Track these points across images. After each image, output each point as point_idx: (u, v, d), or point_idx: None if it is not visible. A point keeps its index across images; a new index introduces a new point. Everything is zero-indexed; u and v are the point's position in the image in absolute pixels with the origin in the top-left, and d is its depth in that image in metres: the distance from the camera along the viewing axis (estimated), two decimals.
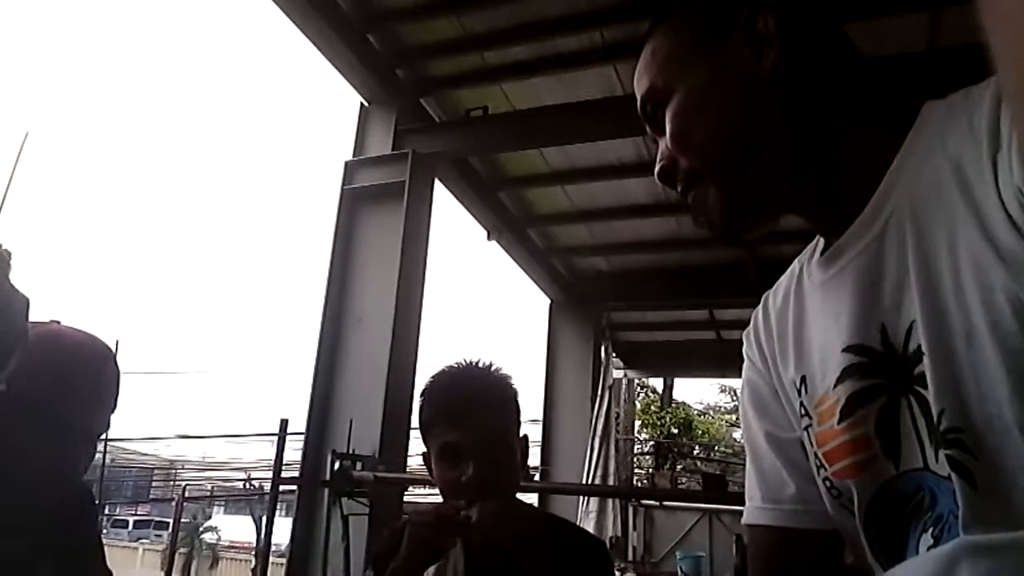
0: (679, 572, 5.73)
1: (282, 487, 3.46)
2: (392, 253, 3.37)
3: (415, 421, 1.34)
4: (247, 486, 19.37)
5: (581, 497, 5.91)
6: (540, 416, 6.22)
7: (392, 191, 3.50)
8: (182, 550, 18.96)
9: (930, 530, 0.66)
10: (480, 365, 1.31)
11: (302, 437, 3.32)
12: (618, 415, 6.94)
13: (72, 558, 1.23)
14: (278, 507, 3.55)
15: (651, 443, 16.48)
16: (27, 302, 1.01)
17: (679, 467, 16.35)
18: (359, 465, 3.08)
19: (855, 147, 0.74)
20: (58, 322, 1.26)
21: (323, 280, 3.50)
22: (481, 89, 3.75)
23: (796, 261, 0.88)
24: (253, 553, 19.23)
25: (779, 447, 0.86)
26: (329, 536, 3.07)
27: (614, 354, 6.97)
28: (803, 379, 0.81)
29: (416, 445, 1.32)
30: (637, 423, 14.06)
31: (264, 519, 4.13)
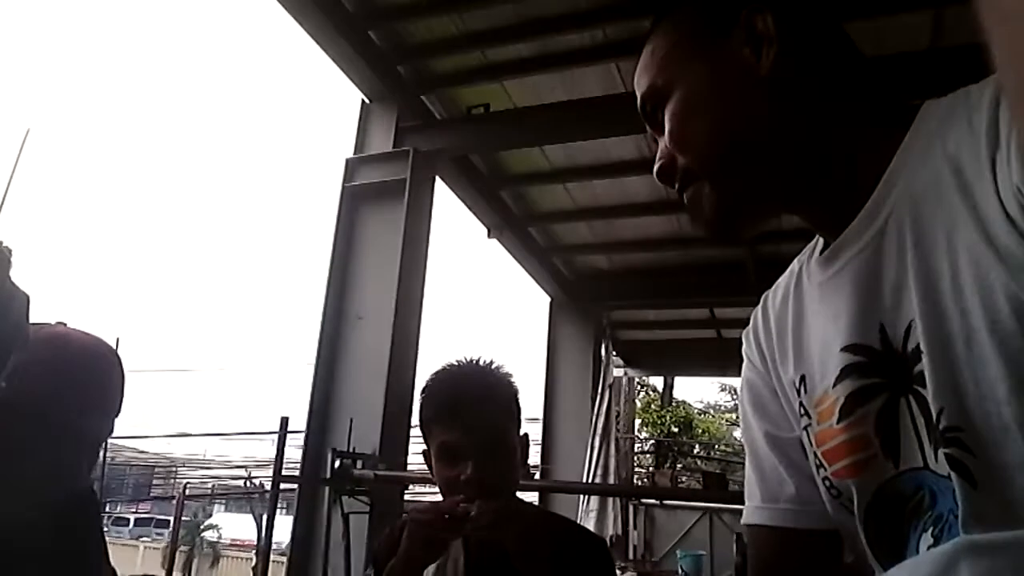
0: (680, 571, 5.72)
1: (283, 485, 3.47)
2: (393, 251, 3.37)
3: (416, 419, 1.34)
4: (248, 484, 19.37)
5: (581, 496, 5.91)
6: (540, 415, 6.22)
7: (393, 189, 3.50)
8: (183, 548, 18.98)
9: (930, 529, 0.66)
10: (480, 363, 1.31)
11: (303, 435, 3.32)
12: (618, 414, 6.94)
13: (76, 557, 1.23)
14: (279, 505, 3.56)
15: (651, 442, 16.48)
16: (27, 300, 1.01)
17: (679, 466, 16.35)
18: (360, 463, 3.09)
19: (854, 146, 0.74)
20: (64, 324, 1.26)
21: (324, 278, 3.50)
22: (482, 86, 3.75)
23: (795, 261, 0.88)
24: (254, 551, 19.24)
25: (779, 447, 0.86)
26: (330, 534, 3.07)
27: (614, 352, 6.97)
28: (802, 379, 0.81)
29: (417, 443, 1.32)
30: (637, 422, 14.06)
31: (265, 517, 4.13)
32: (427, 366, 1.36)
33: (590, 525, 5.54)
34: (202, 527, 21.73)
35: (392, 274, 3.33)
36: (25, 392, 1.08)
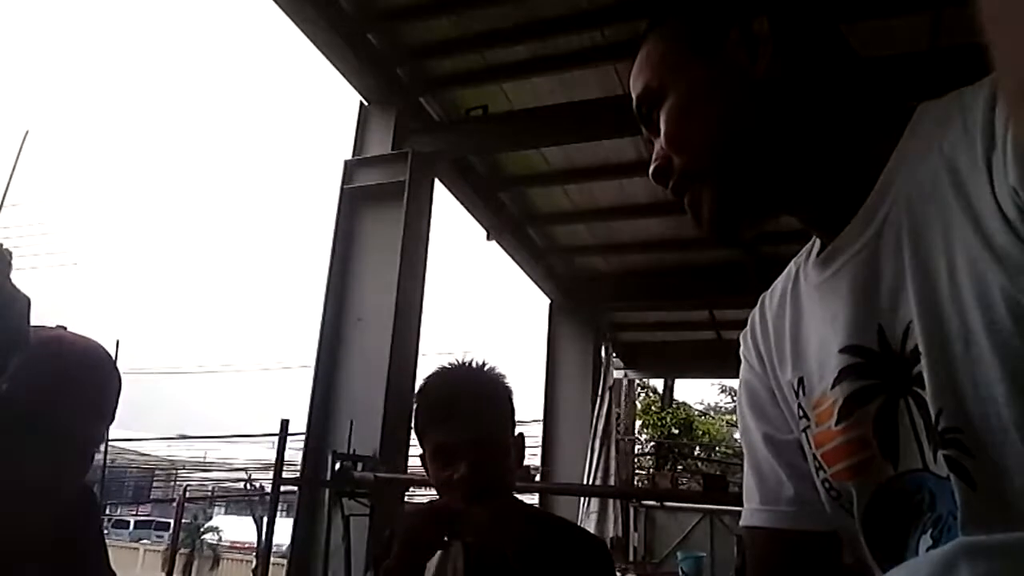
0: (680, 573, 5.72)
1: (283, 487, 3.47)
2: (392, 253, 3.37)
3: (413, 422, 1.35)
4: (248, 487, 19.36)
5: (582, 498, 5.91)
6: (541, 417, 6.22)
7: (392, 191, 3.50)
8: (183, 550, 18.96)
9: (930, 531, 0.66)
10: (473, 365, 1.32)
11: (303, 438, 3.32)
12: (618, 415, 6.93)
13: (76, 559, 1.23)
14: (279, 508, 3.56)
15: (652, 444, 16.46)
16: (28, 302, 1.01)
17: (680, 467, 16.33)
18: (360, 466, 3.09)
19: (850, 148, 0.74)
20: (64, 328, 1.26)
21: (323, 280, 3.50)
22: (481, 89, 3.75)
23: (792, 262, 0.88)
24: (254, 554, 19.21)
25: (777, 449, 0.86)
26: (330, 536, 3.07)
27: (614, 354, 6.97)
28: (800, 380, 0.81)
29: (417, 445, 1.33)
30: (637, 423, 14.04)
31: (265, 520, 4.13)
32: (427, 368, 1.37)
33: (590, 527, 5.54)
34: (202, 529, 21.71)
35: (392, 276, 3.33)
36: (19, 394, 1.08)
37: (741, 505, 0.90)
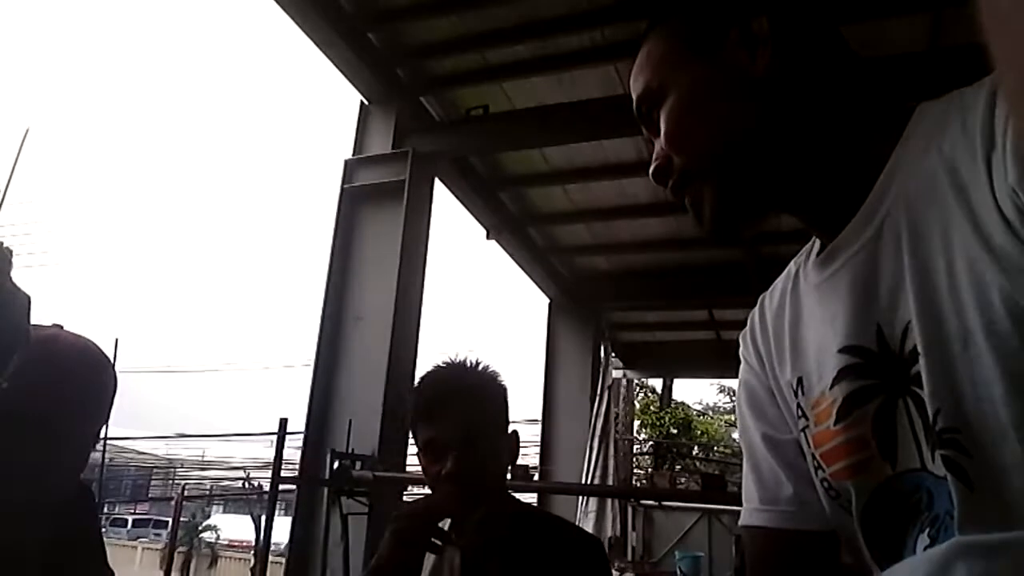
0: (678, 572, 5.72)
1: (281, 486, 3.46)
2: (392, 252, 3.37)
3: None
4: (246, 485, 19.36)
5: (580, 497, 5.91)
6: (539, 416, 6.23)
7: (392, 190, 3.50)
8: (181, 549, 18.95)
9: (927, 530, 0.66)
10: (467, 364, 1.35)
11: (301, 436, 3.32)
12: (617, 415, 6.93)
13: (74, 557, 1.23)
14: (277, 506, 3.55)
15: (650, 443, 16.47)
16: (28, 301, 1.01)
17: (678, 467, 16.34)
18: (358, 464, 3.08)
19: (849, 148, 0.74)
20: (60, 326, 1.26)
21: (323, 279, 3.50)
22: (481, 88, 3.75)
23: (792, 262, 0.88)
24: (252, 552, 19.20)
25: (776, 449, 0.86)
26: (328, 535, 3.07)
27: (613, 354, 6.97)
28: (799, 380, 0.81)
29: (415, 444, 1.35)
30: (636, 423, 14.05)
31: (263, 518, 4.13)
32: (426, 367, 1.39)
33: (589, 526, 5.54)
34: (200, 528, 21.69)
35: (391, 275, 3.33)
36: (15, 393, 1.08)
37: (739, 505, 0.90)
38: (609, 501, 6.06)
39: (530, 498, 5.06)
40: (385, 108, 3.72)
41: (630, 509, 7.39)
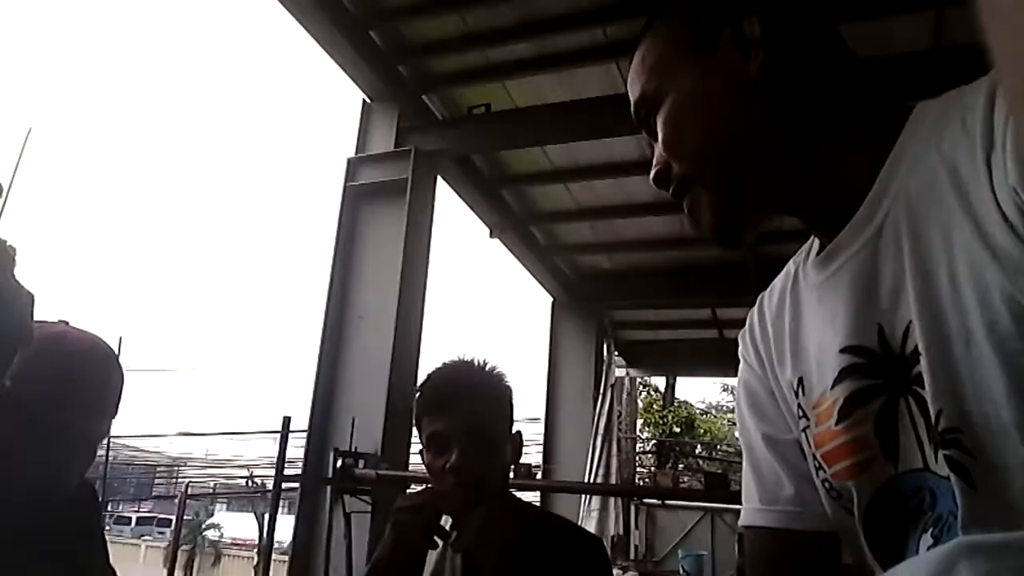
0: (681, 571, 5.73)
1: (285, 484, 3.47)
2: (394, 250, 3.37)
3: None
4: (250, 483, 19.38)
5: (583, 496, 5.91)
6: (542, 415, 6.23)
7: (394, 188, 3.50)
8: (185, 547, 19.01)
9: (930, 530, 0.66)
10: (474, 362, 1.36)
11: (305, 435, 3.33)
12: (620, 414, 6.94)
13: (76, 555, 1.23)
14: (281, 504, 3.56)
15: (653, 442, 16.46)
16: (32, 298, 1.01)
17: (681, 466, 16.34)
18: (361, 463, 3.09)
19: (848, 148, 0.73)
20: (66, 322, 1.26)
21: (325, 278, 3.50)
22: (484, 86, 3.75)
23: (791, 262, 0.87)
24: (256, 550, 19.26)
25: (776, 449, 0.86)
26: (331, 534, 3.07)
27: (616, 352, 6.97)
28: (800, 380, 0.80)
29: (418, 443, 1.36)
30: (639, 422, 14.05)
31: (267, 516, 4.14)
32: (429, 366, 1.40)
33: (592, 525, 5.54)
34: (204, 526, 21.77)
35: (394, 274, 3.34)
36: (23, 389, 1.08)
37: (742, 504, 0.90)
38: (612, 500, 6.06)
39: (533, 497, 5.07)
40: (387, 106, 3.72)
41: (633, 508, 7.41)
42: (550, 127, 3.70)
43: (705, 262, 5.44)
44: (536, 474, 3.58)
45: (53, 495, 1.18)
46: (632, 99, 0.84)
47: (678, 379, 16.91)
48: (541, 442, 6.15)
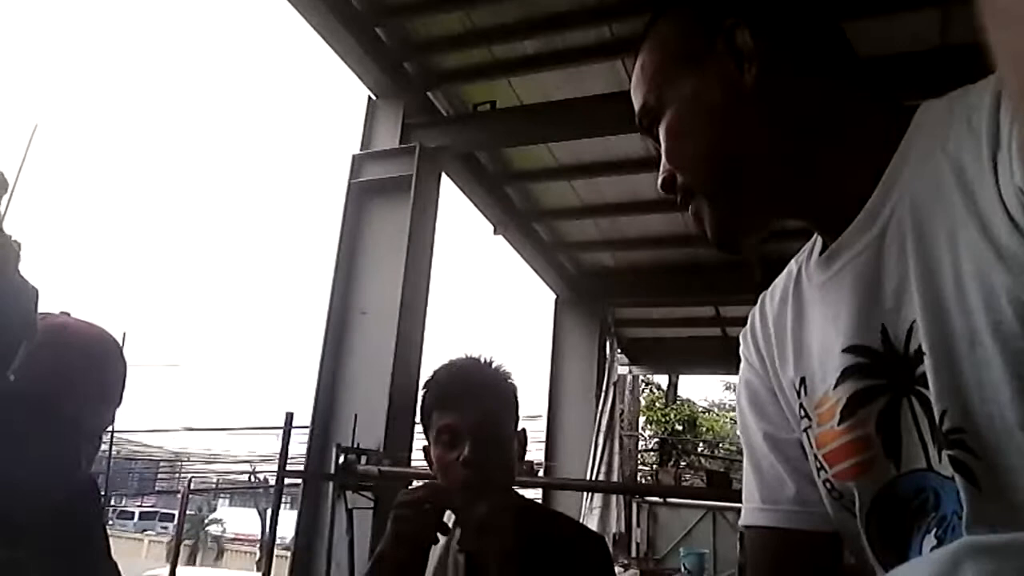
0: (682, 569, 5.72)
1: (287, 480, 3.48)
2: (398, 247, 3.38)
3: (419, 414, 1.38)
4: (252, 479, 19.43)
5: (585, 493, 5.92)
6: (545, 412, 6.23)
7: (399, 185, 3.50)
8: (187, 542, 19.07)
9: (934, 531, 0.66)
10: (481, 359, 1.37)
11: (307, 431, 3.34)
12: (622, 411, 6.94)
13: (77, 549, 1.23)
14: (283, 500, 3.57)
15: (655, 440, 16.45)
16: (36, 293, 1.02)
17: (683, 464, 16.30)
18: (364, 459, 3.09)
19: (851, 150, 0.73)
20: (68, 314, 1.27)
21: (330, 273, 3.51)
22: (488, 83, 3.75)
23: (793, 261, 0.87)
24: (258, 546, 19.31)
25: (778, 448, 0.85)
26: (334, 529, 3.08)
27: (619, 350, 6.97)
28: (802, 380, 0.80)
29: (421, 439, 1.37)
30: (641, 420, 14.04)
31: (269, 512, 4.15)
32: (432, 362, 1.41)
33: (593, 522, 5.55)
34: (207, 521, 21.82)
35: (397, 270, 3.34)
36: (26, 381, 1.08)
37: (743, 503, 0.90)
38: (614, 497, 6.06)
39: (535, 493, 5.07)
40: (392, 103, 3.73)
41: (635, 506, 7.41)
42: (555, 124, 3.69)
43: (709, 260, 5.43)
44: (538, 471, 3.59)
45: (56, 487, 1.18)
46: (635, 107, 0.84)
47: (681, 377, 16.89)
48: (543, 439, 6.15)
